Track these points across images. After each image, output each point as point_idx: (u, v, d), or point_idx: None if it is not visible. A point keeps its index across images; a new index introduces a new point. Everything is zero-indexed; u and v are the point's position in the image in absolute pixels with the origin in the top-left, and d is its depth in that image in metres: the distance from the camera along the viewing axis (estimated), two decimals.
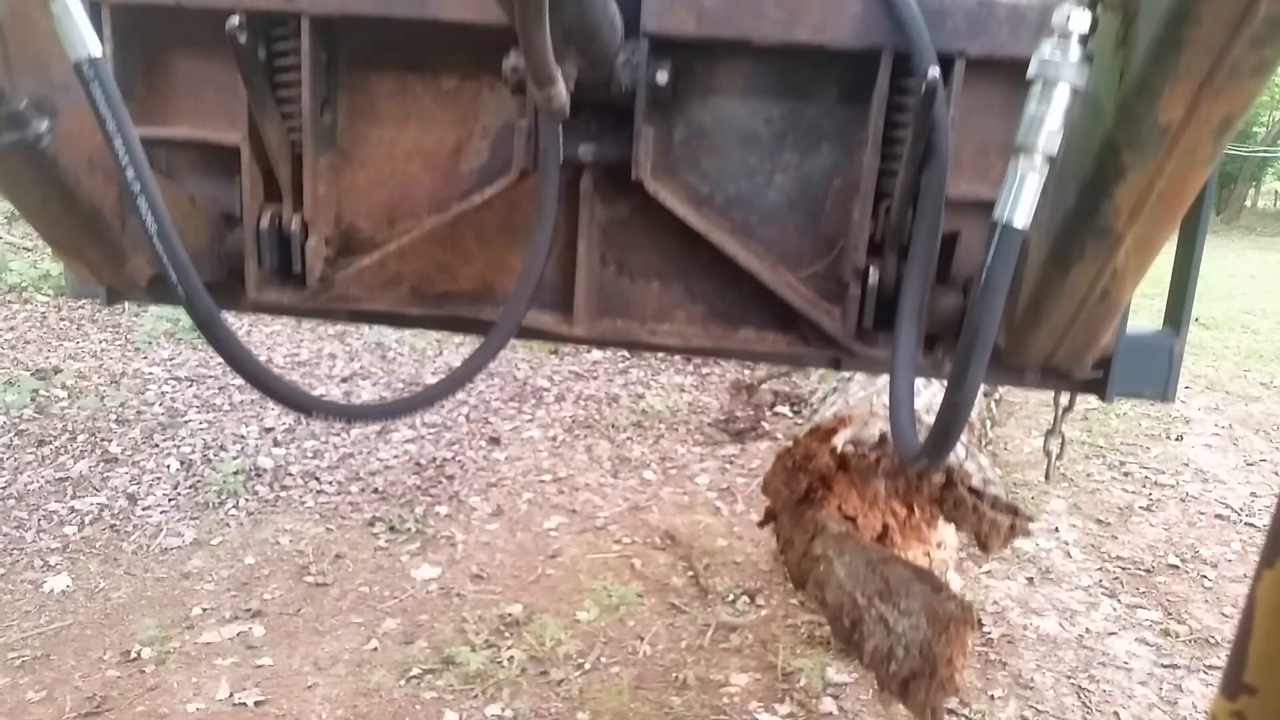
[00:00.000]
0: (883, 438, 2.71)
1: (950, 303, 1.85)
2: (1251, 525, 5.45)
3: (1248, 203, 33.20)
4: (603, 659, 3.82)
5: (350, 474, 5.48)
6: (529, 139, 1.91)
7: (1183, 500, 5.81)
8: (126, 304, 8.22)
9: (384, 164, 2.10)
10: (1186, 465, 6.43)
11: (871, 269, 1.87)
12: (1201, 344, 10.30)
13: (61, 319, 7.92)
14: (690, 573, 4.55)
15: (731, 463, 6.04)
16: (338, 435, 6.01)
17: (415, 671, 3.65)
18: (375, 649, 3.82)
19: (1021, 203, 1.19)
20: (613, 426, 6.57)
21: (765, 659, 3.86)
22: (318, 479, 5.37)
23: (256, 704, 3.44)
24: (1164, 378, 1.97)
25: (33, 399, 6.05)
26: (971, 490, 2.35)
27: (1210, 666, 4.02)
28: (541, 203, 1.91)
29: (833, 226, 1.98)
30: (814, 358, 2.11)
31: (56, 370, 6.68)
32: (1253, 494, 5.95)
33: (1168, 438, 7.00)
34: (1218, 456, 6.66)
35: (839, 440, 2.75)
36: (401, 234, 2.08)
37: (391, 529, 4.84)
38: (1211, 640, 4.20)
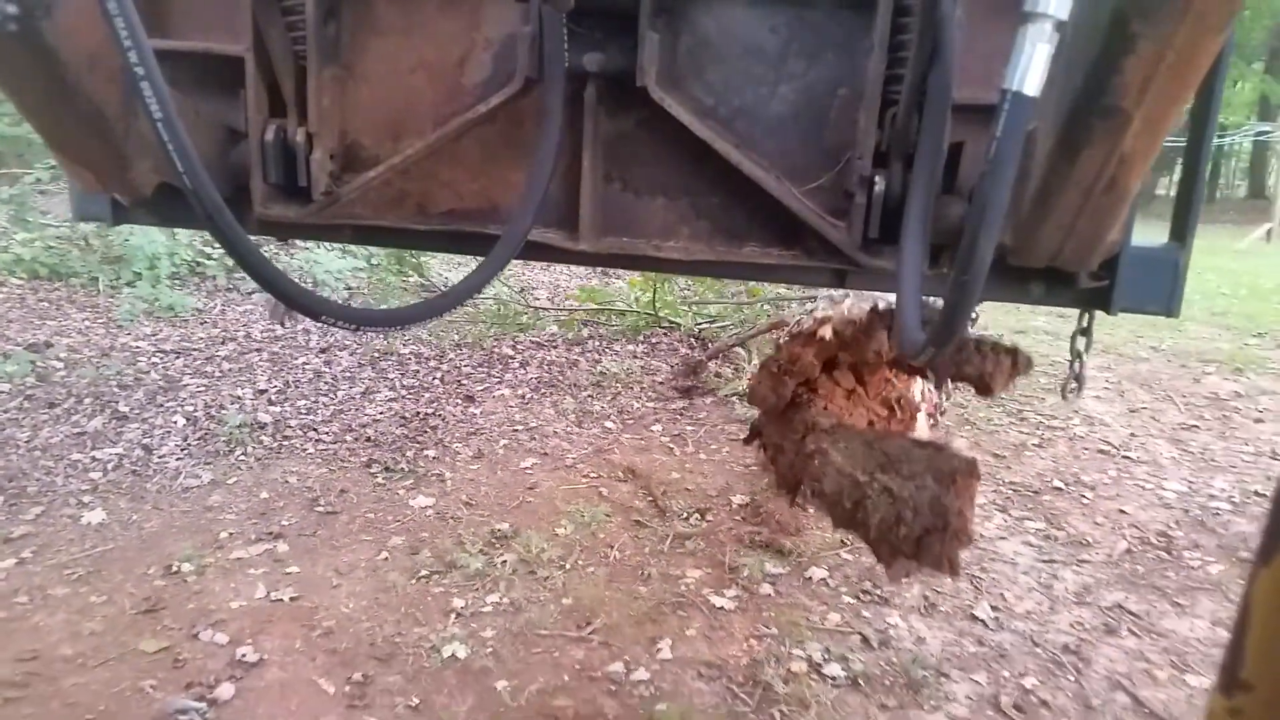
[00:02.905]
0: (874, 307, 2.61)
1: (956, 212, 1.81)
2: (1128, 458, 6.34)
3: None
4: (580, 561, 4.52)
5: (343, 426, 6.09)
6: (533, 45, 1.87)
7: (1070, 439, 6.68)
8: (101, 284, 8.69)
9: (388, 78, 2.08)
10: (1077, 412, 7.30)
11: (877, 178, 1.85)
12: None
13: (40, 300, 8.34)
14: (650, 498, 5.27)
15: (681, 414, 6.77)
16: (327, 395, 6.61)
17: (424, 573, 4.30)
18: (386, 559, 4.46)
19: (1031, 71, 1.16)
20: (575, 386, 7.25)
21: (715, 558, 4.59)
22: (315, 430, 5.97)
23: (291, 599, 4.05)
24: (1168, 292, 1.93)
25: (32, 368, 6.49)
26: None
27: (1082, 561, 4.85)
28: (547, 108, 1.88)
29: (838, 138, 1.94)
30: (819, 272, 2.08)
31: (48, 344, 7.10)
32: (1132, 434, 6.85)
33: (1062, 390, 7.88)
34: (1105, 405, 7.57)
35: (825, 331, 2.69)
36: (406, 149, 2.05)
37: (387, 469, 5.47)
38: (1084, 542, 5.03)
